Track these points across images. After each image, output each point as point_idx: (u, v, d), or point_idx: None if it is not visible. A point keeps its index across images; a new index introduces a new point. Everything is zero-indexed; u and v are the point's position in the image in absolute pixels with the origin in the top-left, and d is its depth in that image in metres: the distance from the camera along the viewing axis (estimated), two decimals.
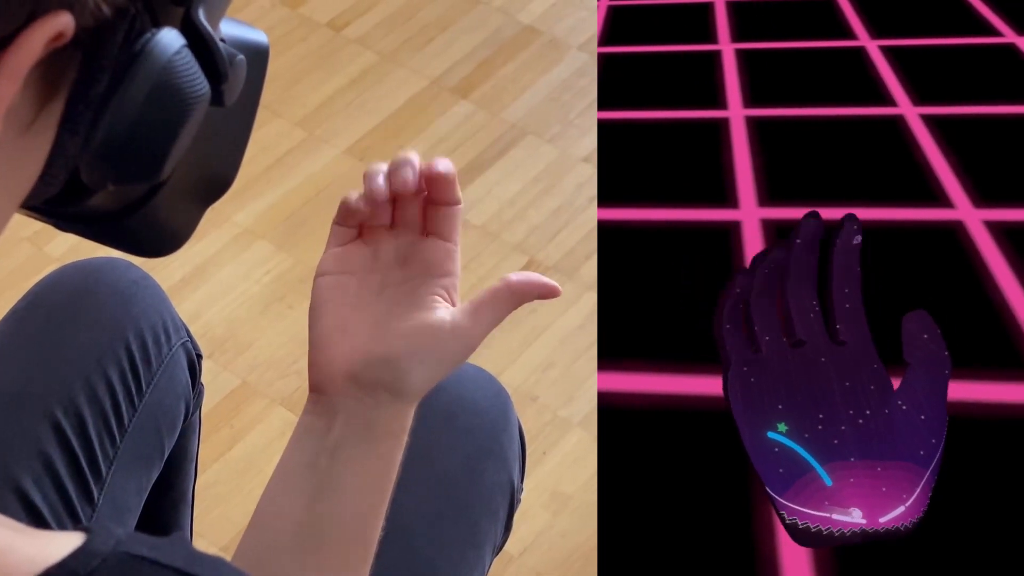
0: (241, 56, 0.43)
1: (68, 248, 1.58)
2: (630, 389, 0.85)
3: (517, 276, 0.59)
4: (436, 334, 0.57)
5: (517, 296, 0.59)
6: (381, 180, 0.57)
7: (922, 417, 0.73)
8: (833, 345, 0.78)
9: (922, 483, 0.70)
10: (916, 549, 0.69)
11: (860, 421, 0.73)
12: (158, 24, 0.39)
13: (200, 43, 0.40)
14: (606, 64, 1.54)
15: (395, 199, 0.59)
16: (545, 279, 0.59)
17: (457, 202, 0.59)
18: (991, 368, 0.85)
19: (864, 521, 0.68)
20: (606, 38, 1.66)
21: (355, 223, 0.60)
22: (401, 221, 0.60)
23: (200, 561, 0.37)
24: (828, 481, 0.70)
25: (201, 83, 0.40)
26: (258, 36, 0.49)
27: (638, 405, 0.82)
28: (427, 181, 0.58)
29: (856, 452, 0.72)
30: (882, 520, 0.68)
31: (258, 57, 0.49)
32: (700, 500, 0.73)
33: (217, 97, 0.42)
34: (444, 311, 0.58)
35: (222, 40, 0.43)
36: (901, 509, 0.68)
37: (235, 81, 0.43)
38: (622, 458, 0.77)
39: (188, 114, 0.40)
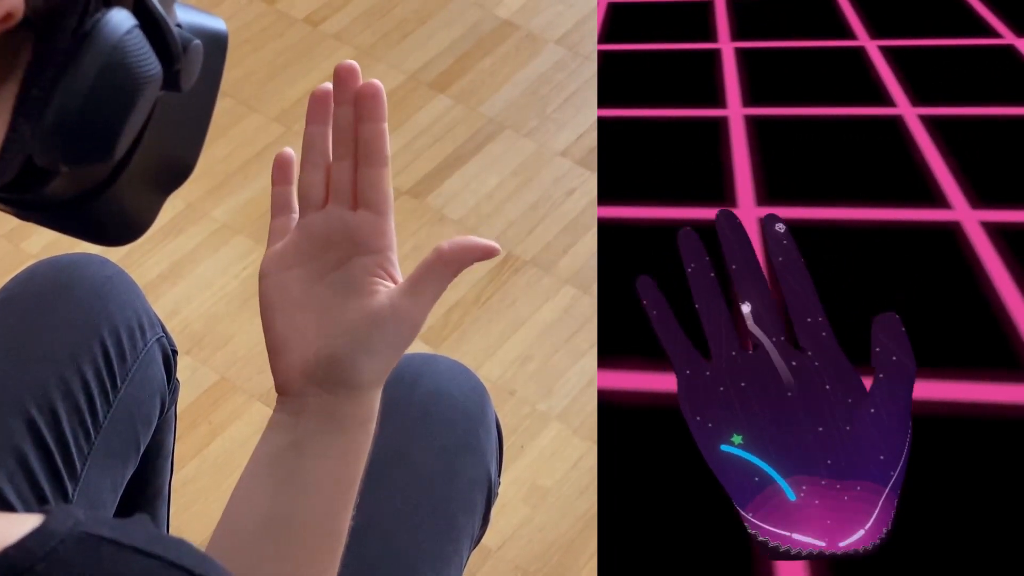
0: (197, 41, 0.43)
1: (45, 245, 1.57)
2: (630, 387, 0.85)
3: (449, 244, 0.57)
4: (378, 322, 0.56)
5: (453, 265, 0.57)
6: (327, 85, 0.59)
7: (885, 431, 0.71)
8: (792, 349, 0.76)
9: (881, 502, 0.68)
10: (914, 552, 0.68)
11: (823, 431, 0.71)
12: (110, 5, 0.39)
13: (152, 24, 0.41)
14: (606, 62, 1.54)
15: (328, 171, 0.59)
16: (479, 240, 0.57)
17: (381, 119, 0.57)
18: (987, 369, 0.85)
19: (823, 543, 0.66)
20: (606, 36, 1.66)
21: (289, 176, 0.61)
22: (333, 193, 0.59)
23: (161, 541, 0.37)
24: (791, 495, 0.68)
25: (152, 63, 0.41)
26: (216, 23, 0.49)
27: (638, 404, 0.82)
28: (355, 98, 0.57)
29: (821, 466, 0.69)
30: (842, 544, 0.66)
31: (216, 44, 0.49)
32: (698, 499, 0.73)
33: (172, 81, 0.43)
34: (383, 295, 0.57)
35: (178, 26, 0.44)
36: (861, 533, 0.67)
37: (191, 66, 0.44)
38: (621, 456, 0.77)
39: (139, 93, 0.41)
